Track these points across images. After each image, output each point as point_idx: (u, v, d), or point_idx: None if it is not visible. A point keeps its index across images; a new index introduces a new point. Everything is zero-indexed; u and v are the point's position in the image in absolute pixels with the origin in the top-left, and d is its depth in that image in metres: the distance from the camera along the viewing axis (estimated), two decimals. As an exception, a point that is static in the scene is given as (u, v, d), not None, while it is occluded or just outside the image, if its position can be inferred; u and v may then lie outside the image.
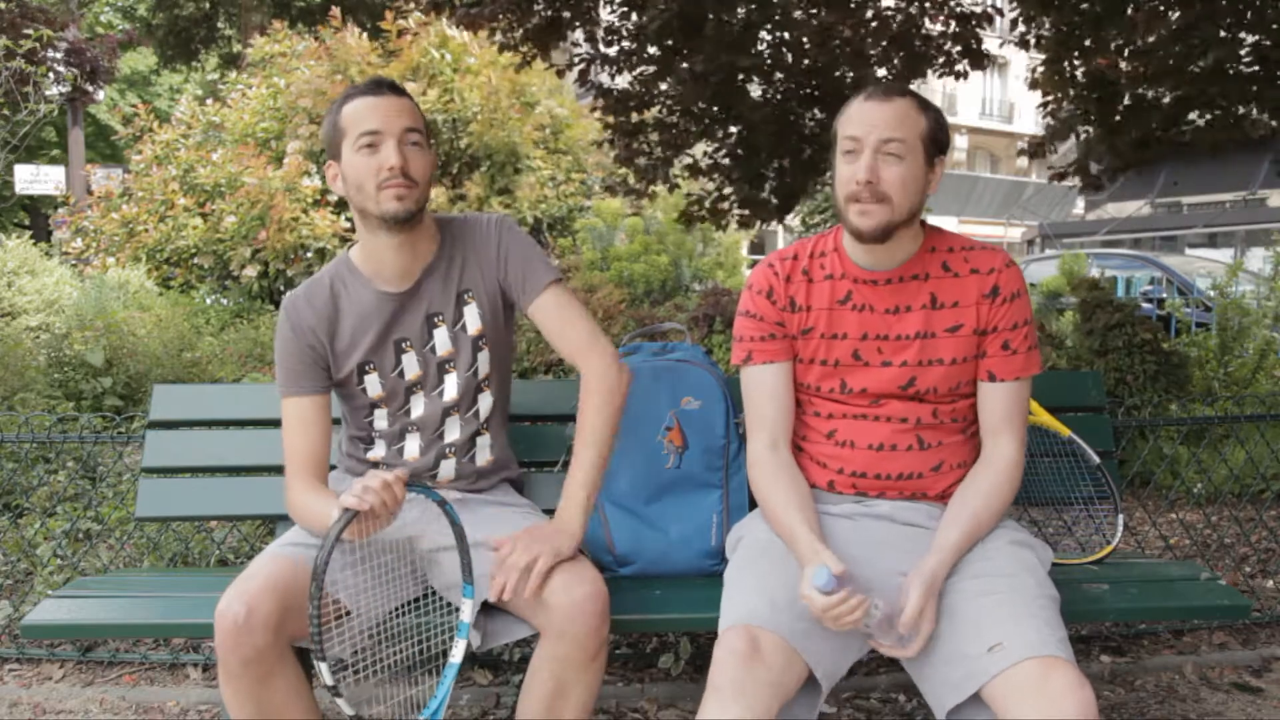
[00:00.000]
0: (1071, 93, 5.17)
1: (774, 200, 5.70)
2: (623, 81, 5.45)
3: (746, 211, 5.88)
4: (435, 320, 1.86)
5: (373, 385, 1.87)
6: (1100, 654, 2.76)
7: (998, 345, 1.73)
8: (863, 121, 1.65)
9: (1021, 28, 5.15)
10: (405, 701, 1.61)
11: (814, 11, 4.80)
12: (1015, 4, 4.92)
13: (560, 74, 5.41)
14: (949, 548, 1.62)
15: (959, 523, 1.65)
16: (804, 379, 1.81)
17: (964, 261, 1.75)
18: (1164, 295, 8.53)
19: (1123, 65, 5.01)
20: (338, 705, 1.49)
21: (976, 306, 1.73)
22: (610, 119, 5.57)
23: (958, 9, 4.98)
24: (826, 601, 1.48)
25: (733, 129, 5.51)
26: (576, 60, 5.26)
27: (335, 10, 10.43)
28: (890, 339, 1.74)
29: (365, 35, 10.00)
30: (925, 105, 1.69)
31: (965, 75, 5.15)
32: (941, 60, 5.02)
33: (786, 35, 5.12)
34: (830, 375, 1.78)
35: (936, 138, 1.69)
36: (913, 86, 5.16)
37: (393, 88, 1.79)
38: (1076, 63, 5.09)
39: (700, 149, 5.88)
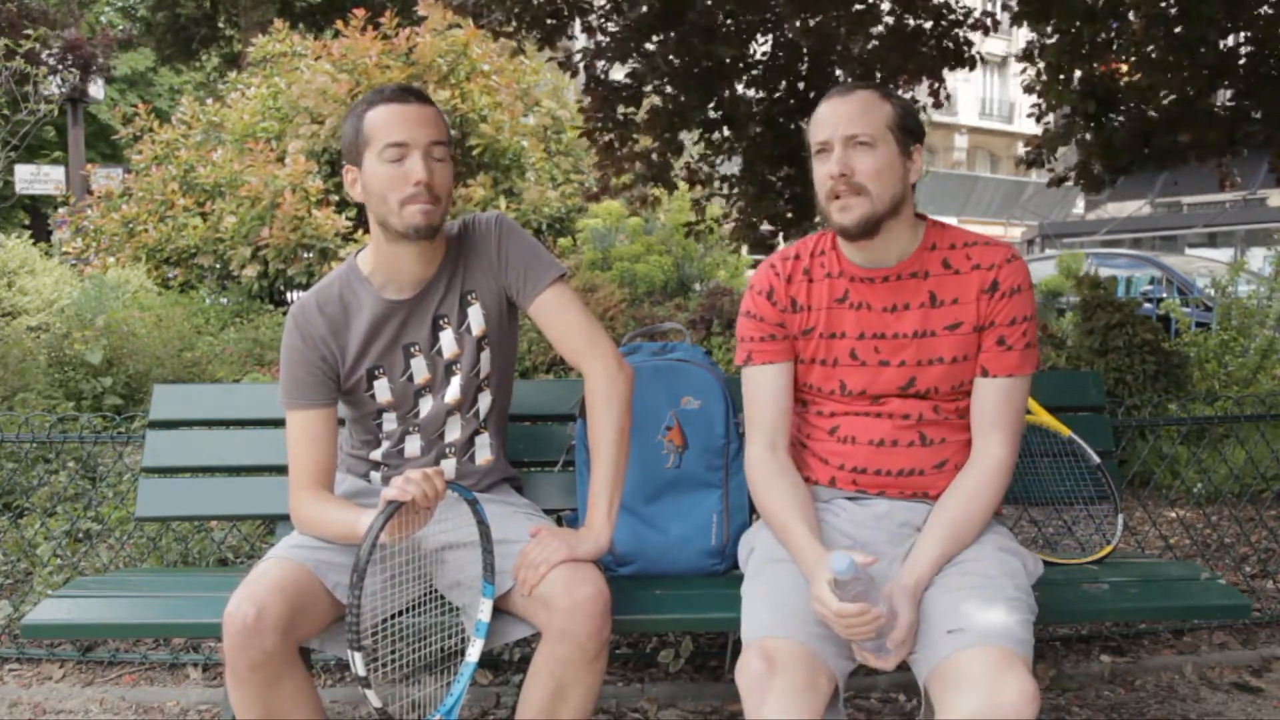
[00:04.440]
0: (1070, 98, 5.16)
1: (789, 214, 5.66)
2: (616, 73, 5.41)
3: (764, 227, 5.84)
4: (441, 323, 1.86)
5: (382, 391, 1.87)
6: (1100, 654, 2.76)
7: (993, 340, 1.71)
8: (828, 121, 1.67)
9: (1030, 35, 5.14)
10: (407, 703, 1.61)
11: (806, 15, 4.78)
12: (1017, 11, 4.91)
13: (563, 65, 5.38)
14: (929, 561, 1.60)
15: (938, 534, 1.63)
16: (806, 379, 1.81)
17: (966, 259, 1.73)
18: (1164, 295, 8.53)
19: (1123, 69, 5.01)
20: (366, 698, 1.49)
21: (976, 303, 1.71)
22: (596, 115, 5.49)
23: (949, 15, 4.97)
24: (845, 609, 1.45)
25: (728, 132, 5.48)
26: (575, 54, 5.24)
27: (356, 10, 10.29)
28: (888, 337, 1.73)
29: (393, 28, 9.87)
30: (889, 94, 1.70)
31: (948, 99, 5.17)
32: (934, 58, 5.01)
33: (780, 38, 5.11)
34: (829, 376, 1.78)
35: (906, 125, 1.68)
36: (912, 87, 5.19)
37: (420, 96, 1.76)
38: (1075, 69, 5.09)
39: (698, 151, 5.85)
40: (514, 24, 4.91)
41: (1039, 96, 5.45)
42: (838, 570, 1.42)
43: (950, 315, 1.72)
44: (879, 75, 4.94)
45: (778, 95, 5.32)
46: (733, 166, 5.84)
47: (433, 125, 1.74)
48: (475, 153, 9.70)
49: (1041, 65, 5.25)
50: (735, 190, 5.82)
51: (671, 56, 4.87)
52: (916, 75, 5.04)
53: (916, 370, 1.72)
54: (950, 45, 4.96)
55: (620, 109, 5.38)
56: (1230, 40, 4.76)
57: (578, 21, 5.07)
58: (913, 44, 4.92)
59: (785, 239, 5.96)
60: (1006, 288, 1.70)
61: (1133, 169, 5.29)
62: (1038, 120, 5.69)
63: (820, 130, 1.68)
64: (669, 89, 5.18)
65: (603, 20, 5.09)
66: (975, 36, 5.08)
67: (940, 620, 1.52)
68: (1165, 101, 4.97)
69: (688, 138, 5.68)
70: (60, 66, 12.11)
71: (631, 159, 5.51)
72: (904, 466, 1.74)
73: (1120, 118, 5.08)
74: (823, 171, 1.68)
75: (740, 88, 5.32)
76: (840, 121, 1.66)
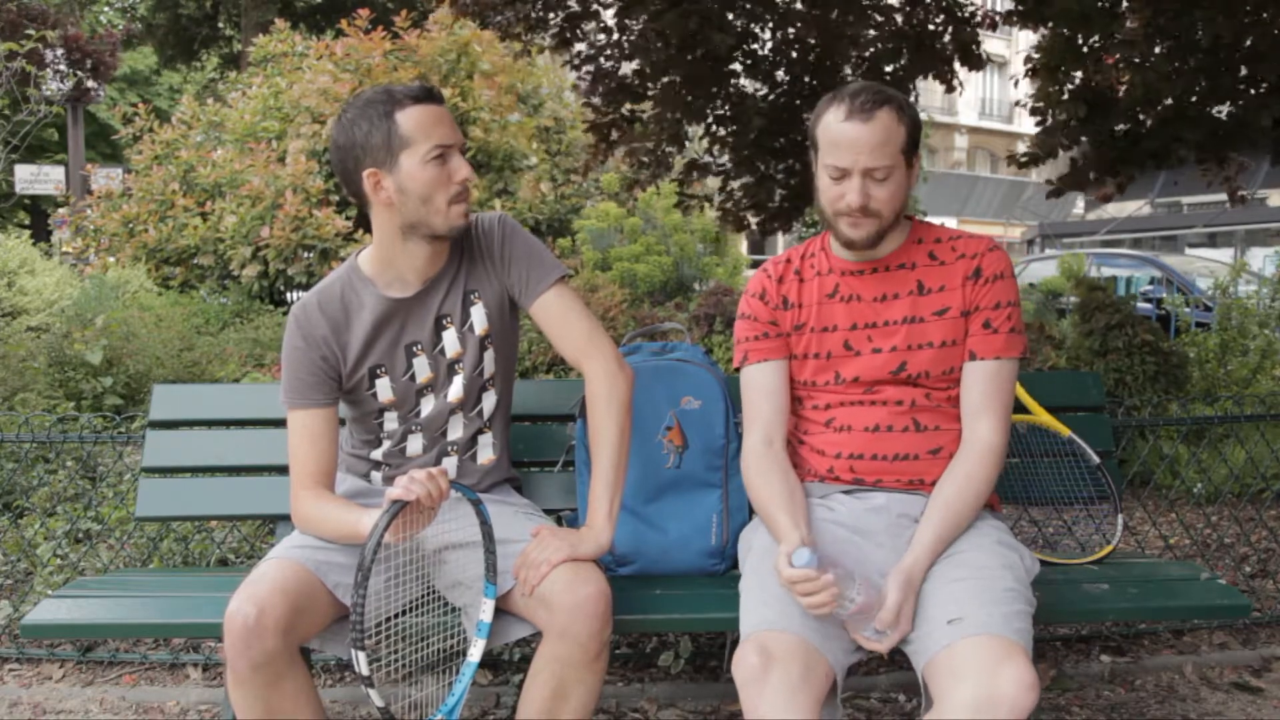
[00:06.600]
0: (1065, 103, 5.15)
1: (784, 204, 5.64)
2: (626, 68, 5.39)
3: (759, 216, 5.81)
4: (444, 322, 1.87)
5: (384, 390, 1.87)
6: (1100, 654, 2.77)
7: (979, 324, 1.76)
8: (848, 149, 1.65)
9: (1032, 37, 5.12)
10: (409, 703, 1.61)
11: (816, 13, 4.76)
12: (1013, 13, 4.90)
13: (570, 63, 5.36)
14: (926, 545, 1.63)
15: (933, 519, 1.66)
16: (800, 375, 1.85)
17: (950, 250, 1.80)
18: (1164, 295, 8.53)
19: (1118, 75, 5.00)
20: (369, 697, 1.50)
21: (961, 289, 1.77)
22: (600, 114, 5.48)
23: (956, 12, 4.96)
24: (795, 574, 1.48)
25: (732, 127, 5.46)
26: (582, 54, 5.23)
27: (361, 10, 10.28)
28: (879, 325, 1.79)
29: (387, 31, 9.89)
30: (902, 109, 1.69)
31: (960, 86, 5.15)
32: (940, 60, 5.00)
33: (790, 32, 5.10)
34: (824, 369, 1.82)
35: (914, 139, 1.72)
36: (911, 86, 5.18)
37: (440, 96, 1.78)
38: (1071, 73, 5.08)
39: (701, 146, 5.83)
40: (522, 25, 4.91)
41: (1035, 101, 5.44)
42: (798, 564, 1.48)
43: (938, 302, 1.78)
44: (888, 71, 4.93)
45: (781, 90, 5.30)
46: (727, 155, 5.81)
47: (455, 123, 1.78)
48: (468, 153, 9.72)
49: (1037, 67, 5.24)
50: (731, 179, 5.79)
51: (667, 33, 4.80)
52: (925, 70, 5.04)
53: (907, 355, 1.77)
54: (957, 45, 4.95)
55: (627, 106, 5.37)
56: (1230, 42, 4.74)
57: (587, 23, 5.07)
58: (921, 42, 4.91)
59: (778, 227, 5.96)
60: (989, 274, 1.77)
61: (1124, 169, 5.28)
62: (1040, 125, 5.68)
63: (840, 156, 1.67)
64: (674, 79, 5.16)
65: (603, 27, 5.08)
66: (979, 34, 5.07)
67: (938, 611, 1.53)
68: (1161, 105, 4.96)
69: (692, 132, 5.67)
70: (64, 69, 12.10)
71: (630, 151, 5.51)
72: (899, 451, 1.77)
73: (1112, 122, 5.07)
74: (835, 191, 1.70)
75: (743, 81, 5.30)
76: (862, 153, 1.65)
